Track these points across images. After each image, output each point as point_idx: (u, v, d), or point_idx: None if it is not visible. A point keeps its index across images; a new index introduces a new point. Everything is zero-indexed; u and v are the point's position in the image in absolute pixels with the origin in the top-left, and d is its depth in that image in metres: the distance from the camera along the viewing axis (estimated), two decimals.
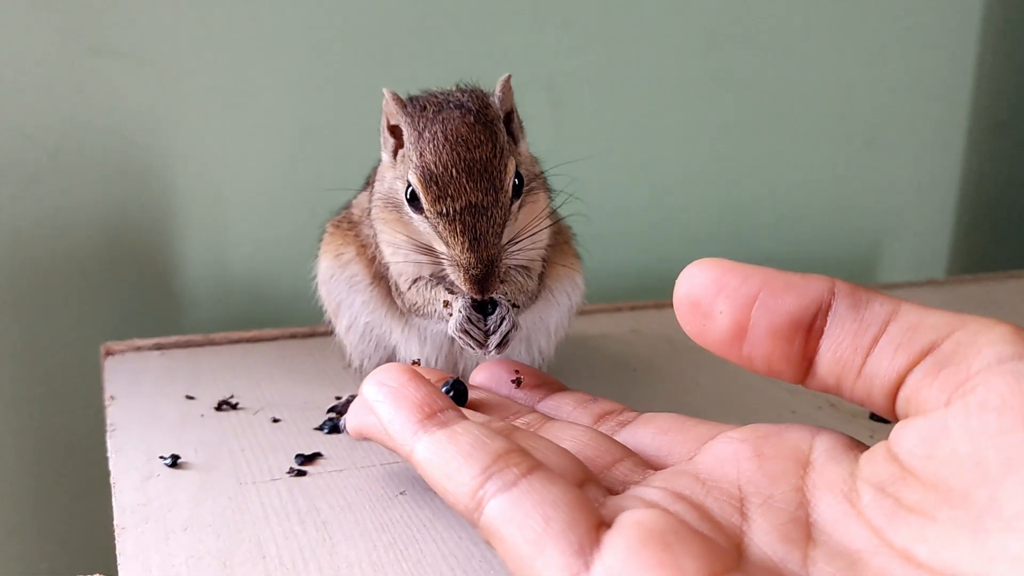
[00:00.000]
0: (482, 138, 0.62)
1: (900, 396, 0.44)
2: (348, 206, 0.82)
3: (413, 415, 0.49)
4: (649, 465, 0.53)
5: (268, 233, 1.08)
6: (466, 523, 0.57)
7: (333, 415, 0.72)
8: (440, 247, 0.62)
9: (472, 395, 0.61)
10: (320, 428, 0.71)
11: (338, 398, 0.77)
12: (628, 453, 0.54)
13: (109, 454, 0.66)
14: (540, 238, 0.68)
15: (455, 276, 0.61)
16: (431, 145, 0.62)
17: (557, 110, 1.18)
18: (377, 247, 0.71)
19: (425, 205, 0.61)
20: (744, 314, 0.47)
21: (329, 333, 0.90)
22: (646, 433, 0.56)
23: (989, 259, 1.57)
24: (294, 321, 1.10)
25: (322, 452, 0.67)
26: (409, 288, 0.69)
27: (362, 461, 0.66)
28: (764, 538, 0.43)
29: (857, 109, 1.38)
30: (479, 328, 0.63)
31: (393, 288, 0.71)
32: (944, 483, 0.40)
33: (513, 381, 0.64)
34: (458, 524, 0.57)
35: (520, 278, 0.68)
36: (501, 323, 0.62)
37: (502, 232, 0.62)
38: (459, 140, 0.62)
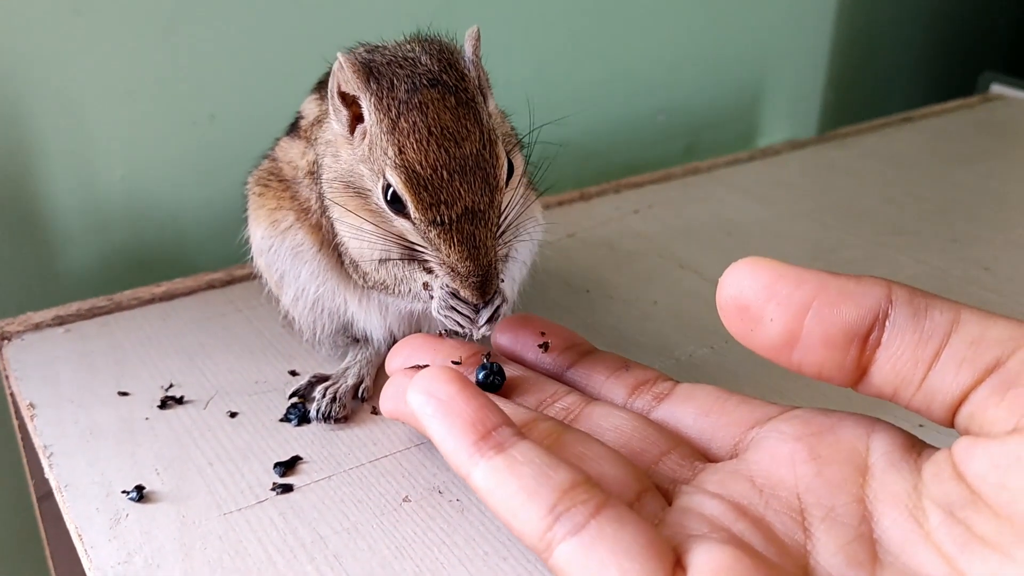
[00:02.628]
0: (469, 126, 0.54)
1: (962, 411, 0.42)
2: (270, 155, 0.72)
3: (467, 435, 0.46)
4: (695, 453, 0.52)
5: (140, 151, 0.95)
6: (488, 533, 0.54)
7: (297, 401, 0.65)
8: (428, 250, 0.55)
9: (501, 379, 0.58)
10: (286, 419, 0.64)
11: (292, 373, 0.70)
12: (674, 443, 0.52)
13: (56, 491, 0.58)
14: (519, 202, 0.62)
15: (450, 280, 0.55)
16: (412, 139, 0.53)
17: None
18: (330, 223, 0.63)
19: (414, 213, 0.54)
20: (797, 323, 0.44)
21: (249, 277, 0.82)
22: (685, 414, 0.54)
23: (861, 108, 1.63)
24: (178, 245, 1.00)
25: (300, 455, 0.61)
26: (375, 268, 0.62)
27: (345, 461, 0.61)
28: (831, 560, 0.42)
29: None
30: (466, 307, 0.57)
31: (348, 263, 0.64)
32: (1020, 518, 0.39)
33: (540, 346, 0.61)
34: (478, 535, 0.54)
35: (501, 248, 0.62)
36: (492, 297, 0.57)
37: (497, 232, 0.56)
38: (445, 133, 0.53)
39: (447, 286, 0.57)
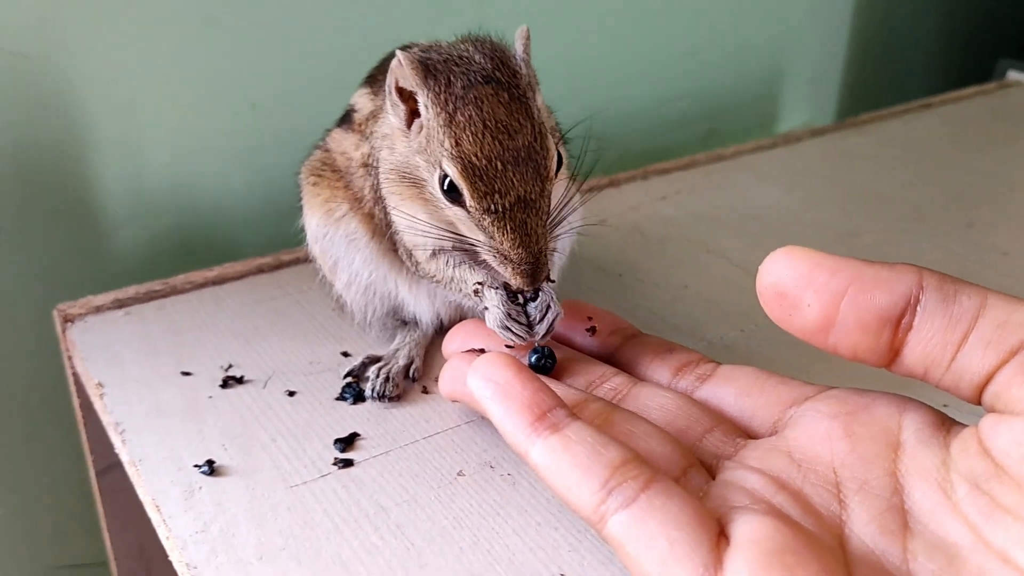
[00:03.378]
0: (522, 120, 0.58)
1: (988, 391, 0.45)
2: (322, 146, 0.75)
3: (524, 416, 0.50)
4: (736, 430, 0.55)
5: (184, 139, 0.99)
6: (539, 505, 0.58)
7: (351, 380, 0.69)
8: (481, 238, 0.58)
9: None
10: (342, 398, 0.68)
11: (344, 354, 0.73)
12: (717, 421, 0.55)
13: (130, 465, 0.62)
14: (568, 196, 0.65)
15: (501, 268, 0.58)
16: (468, 132, 0.57)
17: None
18: (384, 212, 0.66)
19: (469, 202, 0.57)
20: (833, 308, 0.47)
21: (296, 262, 0.86)
22: (727, 393, 0.58)
23: (879, 93, 1.65)
24: (221, 231, 1.03)
25: (358, 431, 0.64)
26: (428, 260, 0.66)
27: (401, 437, 0.64)
28: (864, 529, 0.45)
29: None
30: (520, 322, 0.60)
31: (402, 251, 0.68)
32: None
33: (588, 330, 0.64)
34: (529, 507, 0.58)
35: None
36: (547, 311, 0.60)
37: (548, 221, 0.59)
38: (499, 126, 0.57)
39: (502, 299, 0.60)
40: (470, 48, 0.61)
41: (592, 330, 0.64)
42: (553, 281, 0.62)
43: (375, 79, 0.71)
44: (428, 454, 0.63)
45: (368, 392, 0.67)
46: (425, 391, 0.69)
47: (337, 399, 0.68)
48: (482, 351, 0.62)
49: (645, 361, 0.62)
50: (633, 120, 1.36)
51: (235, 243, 1.04)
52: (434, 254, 0.64)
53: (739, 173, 1.08)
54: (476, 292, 0.63)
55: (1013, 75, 1.41)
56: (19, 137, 0.88)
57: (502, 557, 0.54)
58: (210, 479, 0.60)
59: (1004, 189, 1.04)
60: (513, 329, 0.60)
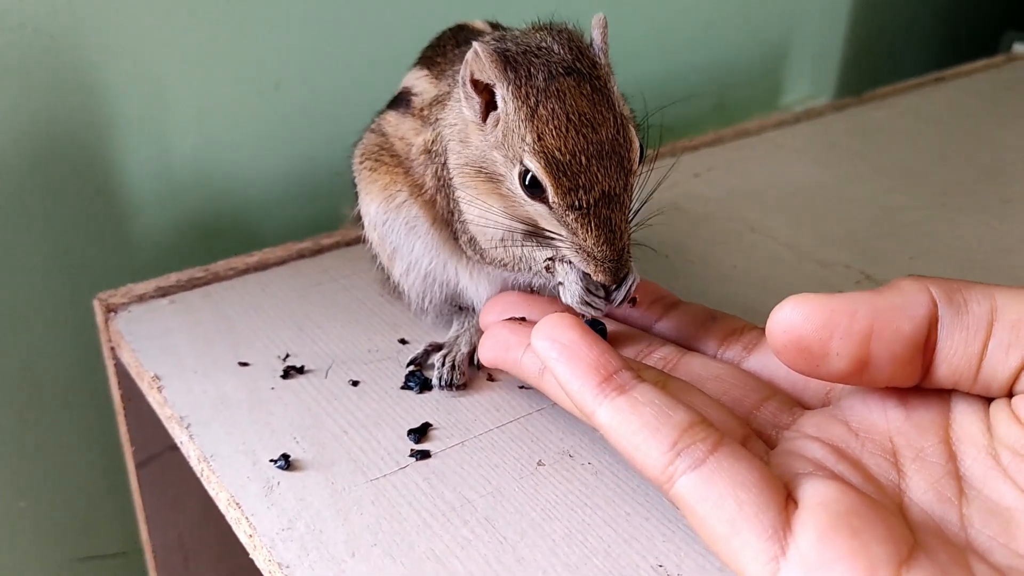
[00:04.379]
0: (604, 112, 0.56)
1: (1019, 384, 0.47)
2: (375, 129, 0.73)
3: (591, 377, 0.49)
4: (791, 401, 0.55)
5: (208, 120, 0.96)
6: (625, 494, 0.57)
7: (414, 368, 0.68)
8: (564, 234, 0.57)
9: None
10: (407, 387, 0.66)
11: (402, 341, 0.72)
12: (771, 392, 0.55)
13: (201, 460, 0.60)
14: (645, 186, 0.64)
15: (584, 264, 0.57)
16: (551, 126, 0.55)
17: None
18: (447, 201, 0.65)
19: (553, 198, 0.55)
20: (863, 351, 0.48)
21: (338, 246, 0.84)
22: (779, 364, 0.57)
23: (881, 66, 1.66)
24: (245, 214, 1.01)
25: (430, 422, 0.63)
26: (494, 247, 0.64)
27: (474, 427, 0.63)
28: (923, 497, 0.46)
29: None
30: (599, 296, 0.59)
31: (466, 241, 0.66)
32: None
33: (629, 301, 0.63)
34: (616, 497, 0.57)
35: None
36: (629, 282, 0.59)
37: (630, 215, 0.57)
38: (583, 120, 0.55)
39: (579, 274, 0.59)
40: (547, 38, 0.59)
41: (633, 301, 0.62)
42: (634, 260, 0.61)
43: (432, 61, 0.69)
44: (504, 444, 0.61)
45: (435, 381, 0.66)
46: (490, 379, 0.68)
47: (403, 388, 0.67)
48: (523, 320, 0.61)
49: (690, 330, 0.62)
50: (645, 93, 1.35)
51: (260, 226, 1.02)
52: (502, 240, 0.63)
53: (768, 149, 1.08)
54: (548, 268, 0.62)
55: (1019, 48, 1.41)
56: (45, 119, 0.86)
57: (597, 549, 0.53)
58: (287, 474, 0.58)
59: None
60: (593, 304, 0.59)
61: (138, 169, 0.92)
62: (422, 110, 0.67)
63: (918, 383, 0.49)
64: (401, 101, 0.71)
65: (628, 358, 0.56)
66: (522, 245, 0.62)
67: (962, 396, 0.49)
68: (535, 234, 0.59)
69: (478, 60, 0.57)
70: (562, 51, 0.57)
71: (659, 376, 0.53)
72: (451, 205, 0.64)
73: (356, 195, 0.73)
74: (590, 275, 0.58)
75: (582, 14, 0.62)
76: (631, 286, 0.59)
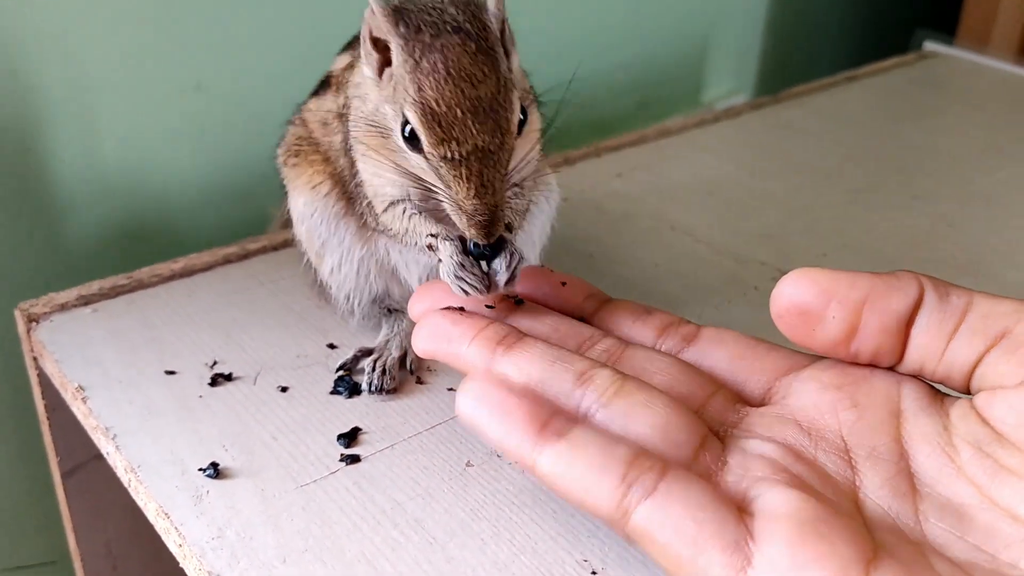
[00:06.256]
0: (486, 71, 0.57)
1: (977, 373, 0.50)
2: (296, 122, 0.74)
3: (528, 430, 0.48)
4: (734, 395, 0.56)
5: (132, 120, 0.95)
6: (551, 494, 0.58)
7: (343, 374, 0.68)
8: (439, 187, 0.58)
9: (538, 324, 0.60)
10: (336, 392, 0.67)
11: (331, 346, 0.72)
12: (716, 386, 0.56)
13: (128, 471, 0.60)
14: (533, 156, 0.65)
15: (456, 219, 0.58)
16: (431, 79, 0.56)
17: None
18: (350, 162, 0.66)
19: (426, 147, 0.57)
20: (856, 316, 0.51)
21: (265, 250, 0.84)
22: (719, 357, 0.58)
23: (798, 63, 1.71)
24: (169, 217, 1.00)
25: (359, 426, 0.64)
26: (385, 211, 0.65)
27: (403, 430, 0.64)
28: (877, 492, 0.48)
29: None
30: (475, 273, 0.59)
31: (363, 204, 0.67)
32: None
33: (515, 299, 0.63)
34: (543, 495, 0.59)
35: (514, 199, 0.65)
36: (510, 260, 0.59)
37: (507, 175, 0.58)
38: (462, 74, 0.56)
39: (455, 248, 0.60)
40: (444, 1, 0.60)
41: (519, 301, 0.62)
42: (511, 231, 0.62)
43: (353, 44, 0.71)
44: (433, 446, 0.63)
45: (365, 386, 0.67)
46: (419, 381, 0.69)
47: (332, 393, 0.67)
48: (461, 310, 0.60)
49: (627, 323, 0.62)
50: (572, 94, 1.37)
51: (184, 230, 1.01)
52: (392, 204, 0.64)
53: (688, 148, 1.10)
54: (430, 246, 0.62)
55: (930, 46, 1.47)
56: None
57: (525, 547, 0.55)
58: (217, 482, 0.59)
59: (942, 161, 1.09)
60: (467, 280, 0.59)
61: (63, 171, 0.91)
62: (338, 78, 0.69)
63: (897, 363, 0.52)
64: (322, 84, 0.72)
65: (578, 355, 0.55)
66: (410, 216, 0.63)
67: (914, 398, 0.51)
68: (421, 189, 0.60)
69: (373, 16, 0.59)
70: (455, 12, 0.59)
71: (614, 377, 0.53)
72: (353, 168, 0.66)
73: (286, 195, 0.73)
74: (466, 248, 0.59)
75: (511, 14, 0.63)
76: (514, 265, 0.59)
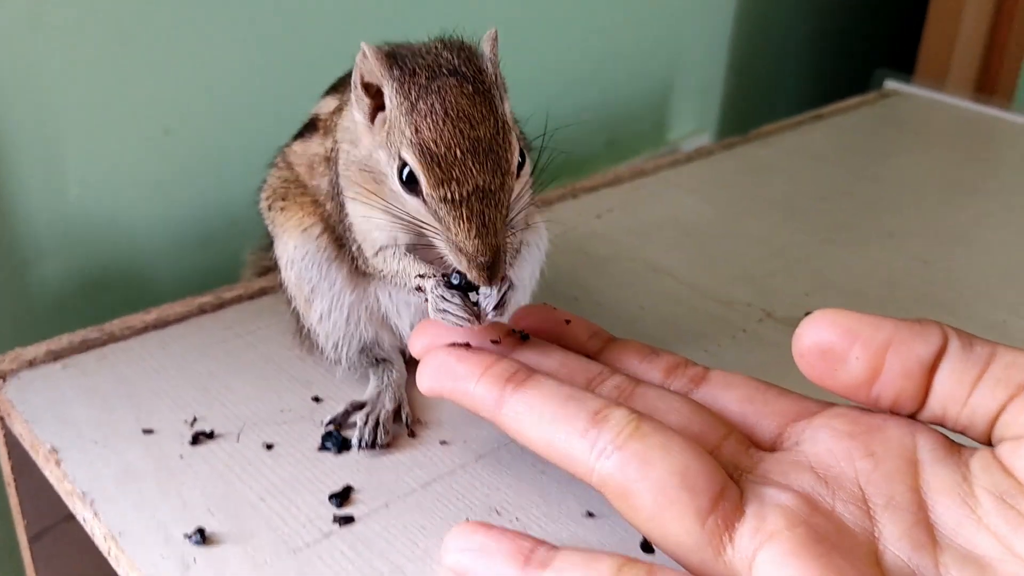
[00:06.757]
0: (484, 112, 0.56)
1: (1000, 422, 0.49)
2: (279, 165, 0.72)
3: (511, 567, 0.48)
4: (746, 440, 0.55)
5: (101, 166, 0.92)
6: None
7: (332, 429, 0.66)
8: (438, 230, 0.56)
9: (546, 359, 0.59)
10: (324, 448, 0.65)
11: (315, 399, 0.70)
12: (728, 428, 0.55)
13: (108, 539, 0.57)
14: (526, 197, 0.64)
15: (456, 261, 0.56)
16: (429, 120, 0.55)
17: None
18: (338, 207, 0.65)
19: (425, 189, 0.56)
20: (880, 359, 0.51)
21: (240, 300, 0.82)
22: (729, 399, 0.57)
23: (759, 103, 1.74)
24: (136, 265, 0.97)
25: (351, 484, 0.61)
26: (376, 254, 0.64)
27: (397, 487, 0.61)
28: (897, 544, 0.47)
29: None
30: (457, 303, 0.58)
31: (354, 247, 0.66)
32: None
33: (521, 334, 0.62)
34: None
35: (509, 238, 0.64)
36: (500, 284, 0.58)
37: (507, 216, 0.57)
38: (460, 115, 0.56)
39: (438, 282, 0.59)
40: (438, 45, 0.60)
41: (524, 336, 0.61)
42: (509, 266, 0.60)
43: (338, 86, 0.70)
44: (429, 503, 0.60)
45: (355, 441, 0.64)
46: (411, 434, 0.66)
47: (320, 449, 0.65)
48: (467, 345, 0.58)
49: (633, 363, 0.61)
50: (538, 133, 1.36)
51: (152, 278, 0.98)
52: (382, 248, 0.63)
53: (663, 188, 1.10)
54: (419, 288, 0.61)
55: (890, 84, 1.49)
56: None
57: None
58: (204, 549, 0.56)
59: (912, 198, 1.10)
60: (450, 312, 0.58)
61: (28, 219, 0.87)
62: (326, 121, 0.68)
63: (918, 410, 0.52)
64: (307, 127, 0.70)
65: (591, 393, 0.54)
66: (399, 259, 0.62)
67: (930, 448, 0.51)
68: (418, 233, 0.58)
69: (366, 60, 0.58)
70: (450, 56, 0.58)
71: (630, 417, 0.51)
72: (341, 212, 0.65)
73: (270, 240, 0.71)
74: (449, 281, 0.58)
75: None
76: (503, 290, 0.58)
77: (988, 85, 1.58)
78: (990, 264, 0.95)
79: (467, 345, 0.59)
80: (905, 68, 1.64)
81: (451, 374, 0.56)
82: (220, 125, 0.98)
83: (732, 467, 0.52)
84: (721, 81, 1.69)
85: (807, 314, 0.70)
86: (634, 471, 0.49)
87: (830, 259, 0.95)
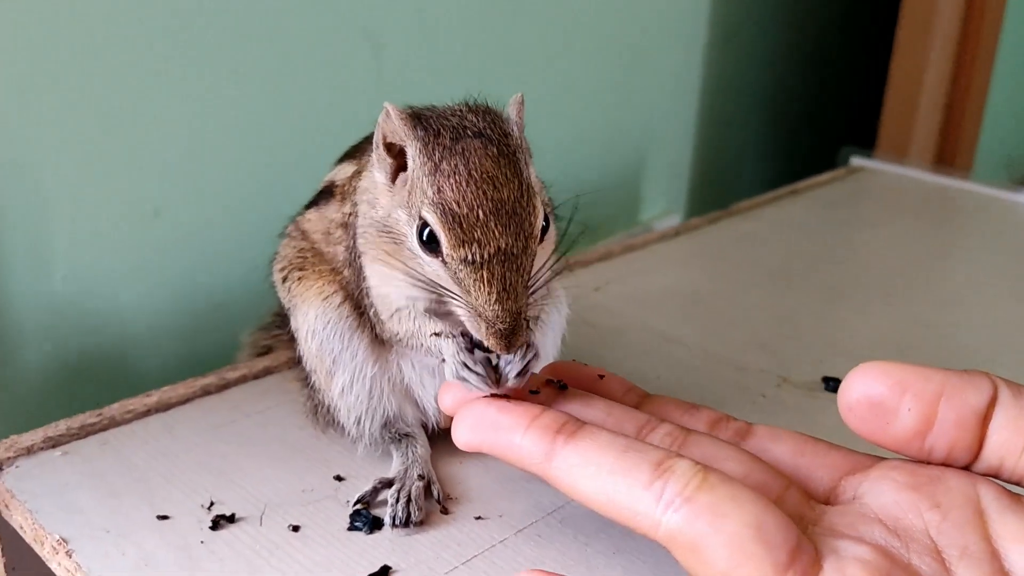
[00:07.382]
0: (508, 174, 0.55)
1: None
2: (292, 234, 0.70)
3: None
4: (805, 492, 0.53)
5: (90, 248, 0.89)
6: None
7: (361, 507, 0.62)
8: (458, 293, 0.54)
9: (590, 409, 0.56)
10: (354, 527, 0.61)
11: (338, 478, 0.66)
12: (787, 479, 0.53)
13: None
14: (550, 265, 0.63)
15: (474, 328, 0.54)
16: (452, 180, 0.54)
17: (380, 55, 1.07)
18: (355, 272, 0.63)
19: (446, 250, 0.54)
20: (932, 410, 0.49)
21: (245, 379, 0.78)
22: (782, 452, 0.55)
23: (725, 183, 1.79)
24: (123, 350, 0.93)
25: (388, 564, 0.58)
26: (391, 317, 0.62)
27: (437, 566, 0.58)
28: None
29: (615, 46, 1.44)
30: (478, 371, 0.55)
31: (371, 311, 0.64)
32: None
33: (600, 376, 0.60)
34: None
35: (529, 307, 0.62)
36: (524, 351, 0.55)
37: (529, 281, 0.55)
38: (484, 176, 0.54)
39: (458, 343, 0.56)
40: (463, 108, 0.59)
41: (601, 377, 0.60)
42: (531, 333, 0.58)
43: (359, 150, 0.68)
44: None
45: (389, 519, 0.60)
46: (444, 511, 0.63)
47: (350, 529, 0.61)
48: (507, 397, 0.55)
49: (676, 416, 0.59)
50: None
51: (143, 362, 0.94)
52: (397, 311, 0.61)
53: (656, 261, 1.10)
54: (435, 346, 0.59)
55: (856, 160, 1.53)
56: None
57: None
58: None
59: (898, 265, 1.11)
60: (470, 378, 0.55)
61: (13, 303, 0.83)
62: (343, 187, 0.66)
63: (972, 462, 0.50)
64: (322, 195, 0.69)
65: (648, 443, 0.51)
66: (414, 318, 0.60)
67: (993, 497, 0.49)
68: (437, 296, 0.56)
69: (389, 120, 0.57)
70: (475, 118, 0.58)
71: (695, 469, 0.48)
72: (359, 277, 0.63)
73: (271, 319, 0.68)
74: (472, 343, 0.56)
75: None
76: (528, 358, 0.56)
77: (948, 157, 1.63)
78: (988, 326, 0.96)
79: (507, 396, 0.56)
80: (867, 143, 1.69)
81: (493, 425, 0.53)
82: (210, 208, 0.96)
83: (797, 519, 0.50)
84: (689, 163, 1.72)
85: (825, 378, 0.70)
86: (705, 524, 0.46)
87: (837, 324, 0.95)
